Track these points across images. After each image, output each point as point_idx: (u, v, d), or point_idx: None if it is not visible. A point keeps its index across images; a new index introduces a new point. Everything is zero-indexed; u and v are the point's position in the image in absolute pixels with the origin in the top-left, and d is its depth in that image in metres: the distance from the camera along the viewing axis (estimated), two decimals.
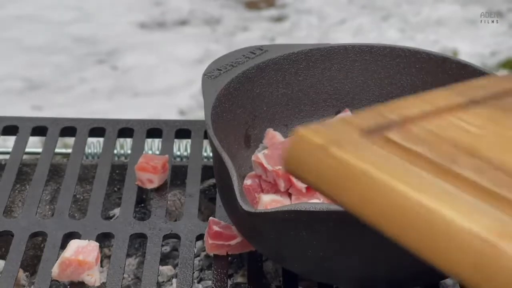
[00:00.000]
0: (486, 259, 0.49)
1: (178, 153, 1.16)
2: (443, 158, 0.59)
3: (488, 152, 0.60)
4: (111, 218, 1.05)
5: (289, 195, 0.90)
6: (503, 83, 0.70)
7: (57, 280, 0.88)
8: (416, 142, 0.61)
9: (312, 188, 0.62)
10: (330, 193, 0.60)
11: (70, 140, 1.14)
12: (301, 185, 0.89)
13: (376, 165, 0.58)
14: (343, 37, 2.64)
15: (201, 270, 0.96)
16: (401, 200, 0.55)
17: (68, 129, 1.13)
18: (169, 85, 2.43)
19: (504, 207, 0.53)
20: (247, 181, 0.91)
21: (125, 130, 1.13)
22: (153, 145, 1.16)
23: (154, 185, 1.02)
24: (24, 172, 1.10)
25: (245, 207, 0.76)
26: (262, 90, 1.01)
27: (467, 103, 0.66)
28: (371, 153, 0.60)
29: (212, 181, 1.08)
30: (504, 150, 0.60)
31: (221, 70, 0.98)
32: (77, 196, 1.10)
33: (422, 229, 0.53)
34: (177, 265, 0.94)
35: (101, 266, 0.95)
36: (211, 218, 0.93)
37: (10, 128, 1.14)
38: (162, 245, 0.94)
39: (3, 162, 1.10)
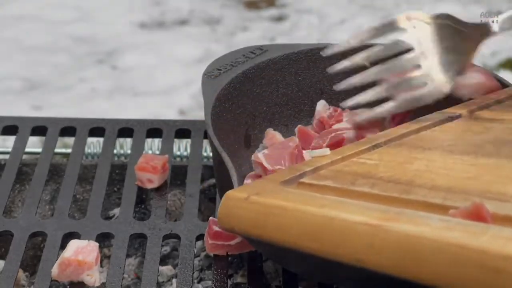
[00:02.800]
0: (377, 238, 0.63)
1: (178, 153, 1.16)
2: (344, 183, 0.74)
3: (381, 173, 0.75)
4: (111, 218, 1.05)
5: None
6: (399, 130, 0.86)
7: (56, 280, 0.88)
8: (322, 179, 0.76)
9: (242, 236, 0.78)
10: (256, 232, 0.73)
11: (70, 140, 1.14)
12: None
13: (287, 199, 0.72)
14: (343, 37, 2.64)
15: (201, 270, 0.96)
16: (309, 217, 0.68)
17: (68, 129, 1.13)
18: (169, 85, 2.43)
19: (389, 203, 0.68)
20: (247, 181, 0.91)
21: (125, 130, 1.13)
22: (153, 145, 1.15)
23: (154, 185, 1.02)
24: (23, 172, 1.10)
25: None
26: (262, 90, 1.01)
27: (369, 148, 0.82)
28: (284, 193, 0.74)
29: (212, 181, 1.08)
30: (394, 169, 0.75)
31: (221, 70, 0.98)
32: (77, 196, 1.10)
33: (331, 235, 0.66)
34: (177, 265, 0.94)
35: (101, 266, 0.95)
36: (211, 218, 0.93)
37: (10, 128, 1.14)
38: (162, 245, 0.94)
39: (2, 162, 1.10)
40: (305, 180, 0.76)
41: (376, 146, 0.83)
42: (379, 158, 0.79)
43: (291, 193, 0.74)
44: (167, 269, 0.98)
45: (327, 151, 0.83)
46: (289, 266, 0.87)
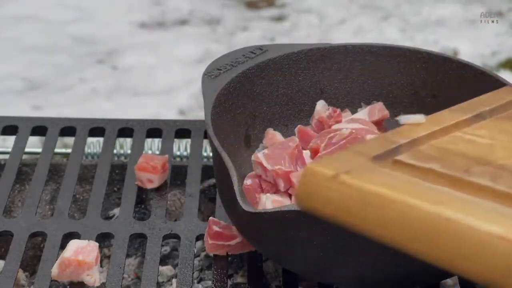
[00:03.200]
0: None
1: (178, 153, 1.16)
2: (456, 170, 0.59)
3: (501, 159, 0.60)
4: (110, 218, 1.05)
5: (289, 195, 0.90)
6: (503, 96, 0.71)
7: (56, 280, 0.88)
8: (426, 160, 0.61)
9: (330, 221, 0.62)
10: (348, 220, 0.59)
11: (70, 140, 1.14)
12: None
13: (388, 186, 0.58)
14: (343, 37, 2.64)
15: (201, 270, 0.96)
16: (420, 215, 0.54)
17: (68, 129, 1.13)
18: (169, 85, 2.43)
19: None
20: (247, 181, 0.91)
21: (125, 130, 1.13)
22: (153, 145, 1.15)
23: (154, 185, 1.02)
24: (23, 172, 1.10)
25: (245, 207, 0.76)
26: (262, 90, 1.01)
27: (472, 118, 0.68)
28: (382, 176, 0.60)
29: (212, 181, 1.08)
30: None
31: (221, 70, 0.98)
32: (77, 196, 1.10)
33: (447, 241, 0.52)
34: (177, 265, 0.94)
35: (101, 266, 0.95)
36: (211, 218, 0.93)
37: (10, 128, 1.14)
38: (162, 245, 0.94)
39: (2, 162, 1.10)
40: (402, 158, 0.63)
41: (480, 117, 0.69)
42: (489, 135, 0.65)
43: (390, 177, 0.60)
44: (167, 269, 0.98)
45: (422, 118, 0.69)
46: (289, 266, 0.87)
